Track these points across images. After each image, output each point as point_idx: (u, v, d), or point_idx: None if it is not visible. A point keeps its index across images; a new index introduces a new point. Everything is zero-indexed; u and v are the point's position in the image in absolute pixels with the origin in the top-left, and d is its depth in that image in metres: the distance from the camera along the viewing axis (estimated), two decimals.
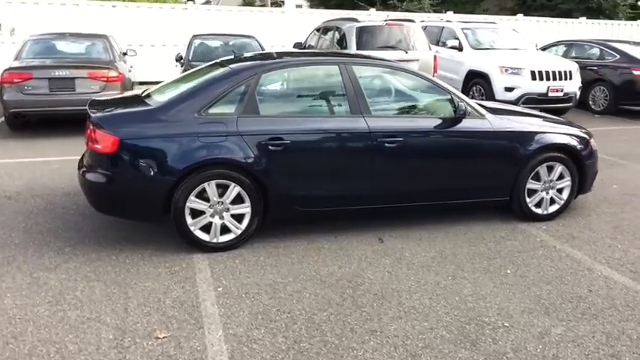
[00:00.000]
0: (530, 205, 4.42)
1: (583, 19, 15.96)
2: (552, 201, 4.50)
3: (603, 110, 9.96)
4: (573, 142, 4.44)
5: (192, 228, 3.66)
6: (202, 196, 3.63)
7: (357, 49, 8.18)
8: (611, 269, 3.65)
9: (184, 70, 8.27)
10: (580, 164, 4.47)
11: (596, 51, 10.37)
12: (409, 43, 8.47)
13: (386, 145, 3.88)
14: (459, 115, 4.00)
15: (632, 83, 9.55)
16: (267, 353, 2.63)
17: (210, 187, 3.62)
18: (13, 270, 3.43)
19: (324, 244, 3.94)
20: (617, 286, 3.41)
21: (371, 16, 12.48)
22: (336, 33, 9.01)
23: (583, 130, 4.65)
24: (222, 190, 3.66)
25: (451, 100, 4.12)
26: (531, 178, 4.35)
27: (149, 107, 3.71)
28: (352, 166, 3.89)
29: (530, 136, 4.29)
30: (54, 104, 7.05)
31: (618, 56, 9.86)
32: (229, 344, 2.70)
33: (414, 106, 4.18)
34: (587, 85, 9.72)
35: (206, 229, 3.71)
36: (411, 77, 4.17)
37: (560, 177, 4.45)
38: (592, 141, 4.62)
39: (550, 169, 4.40)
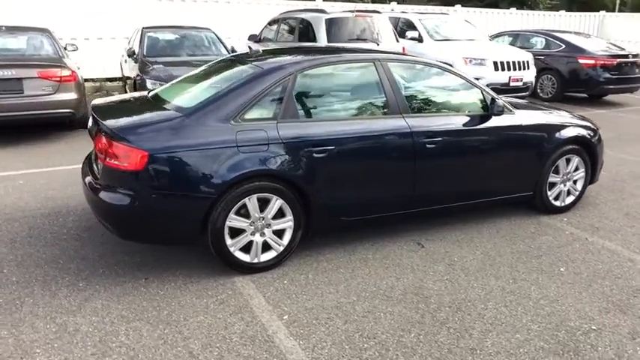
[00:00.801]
0: (550, 198, 4.46)
1: (513, 10, 16.78)
2: (568, 193, 4.57)
3: (551, 98, 10.48)
4: (588, 134, 4.53)
5: (232, 249, 3.26)
6: (241, 212, 3.25)
7: (328, 41, 7.92)
8: None
9: (141, 67, 7.58)
10: (592, 155, 4.57)
11: (541, 41, 10.88)
12: (379, 34, 8.34)
13: (426, 145, 3.69)
14: (497, 111, 3.90)
15: (577, 71, 10.12)
16: None
17: (252, 202, 3.24)
18: (28, 316, 2.86)
19: (365, 254, 3.70)
20: None
21: (318, 6, 12.24)
22: (301, 25, 8.67)
23: (592, 122, 4.76)
24: (262, 204, 3.29)
25: (483, 97, 4.02)
26: (552, 172, 4.39)
27: (177, 115, 3.23)
28: (395, 169, 3.67)
29: (553, 129, 4.31)
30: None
31: (564, 46, 10.41)
32: None
33: (448, 104, 4.02)
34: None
35: (245, 248, 3.33)
36: (443, 73, 4.00)
37: (576, 169, 4.53)
38: (600, 132, 4.74)
39: (568, 161, 4.46)
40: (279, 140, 3.26)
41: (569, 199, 4.59)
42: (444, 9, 15.24)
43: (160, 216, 3.12)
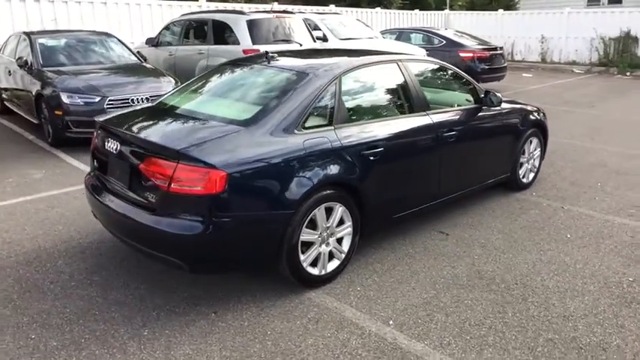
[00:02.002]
0: (520, 176, 5.05)
1: (379, 9, 18.02)
2: (530, 170, 5.22)
3: None
4: (542, 117, 5.22)
5: (304, 264, 3.11)
6: (308, 225, 3.11)
7: (253, 43, 7.72)
8: (620, 217, 4.47)
9: (43, 79, 6.58)
10: (545, 135, 5.28)
11: (424, 37, 11.95)
12: (299, 35, 8.37)
13: (447, 138, 3.92)
14: (497, 102, 4.28)
15: (458, 64, 11.19)
16: None
17: (320, 213, 3.13)
18: None
19: (406, 250, 3.80)
20: None
21: (209, 7, 11.81)
22: (216, 26, 8.28)
23: (538, 107, 5.46)
24: (326, 213, 3.20)
25: (476, 90, 4.39)
26: (521, 153, 4.97)
27: (236, 128, 2.95)
28: (428, 163, 3.86)
29: (524, 114, 4.88)
30: None
31: (445, 41, 11.58)
32: None
33: (455, 98, 4.30)
34: None
35: (313, 261, 3.20)
36: (445, 70, 4.26)
37: (535, 149, 5.19)
38: None
39: (531, 142, 5.08)
40: (340, 146, 3.19)
41: (531, 176, 5.24)
42: (320, 8, 15.77)
43: (240, 241, 2.85)
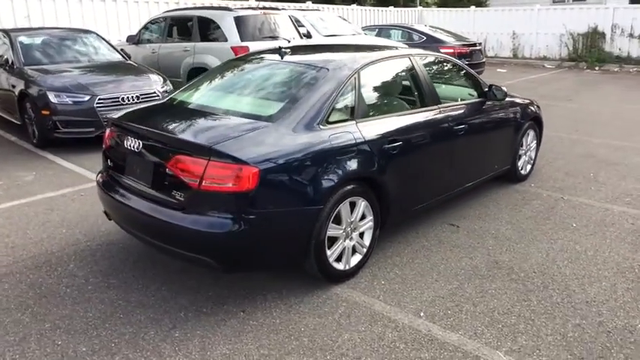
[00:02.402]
0: (519, 168, 5.16)
1: (354, 6, 18.08)
2: (527, 162, 5.34)
3: None
4: (538, 109, 5.34)
5: (330, 260, 3.10)
6: (334, 220, 3.10)
7: (242, 40, 7.62)
8: (618, 205, 4.62)
9: (27, 78, 6.34)
10: (540, 128, 5.41)
11: (403, 34, 12.06)
12: (286, 31, 8.31)
13: (458, 132, 3.97)
14: (501, 96, 4.36)
15: None
16: None
17: (345, 208, 3.12)
18: None
19: (421, 242, 3.83)
20: None
21: (186, 4, 11.61)
22: (202, 23, 8.14)
23: (532, 100, 5.59)
24: (350, 208, 3.19)
25: (480, 83, 4.45)
26: (520, 145, 5.08)
27: (263, 124, 2.90)
28: (442, 156, 3.90)
29: (522, 107, 4.98)
30: None
31: (425, 37, 11.71)
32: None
33: (461, 91, 4.35)
34: None
35: (338, 257, 3.19)
36: (452, 64, 4.31)
37: (532, 141, 5.31)
38: None
39: (528, 135, 5.20)
40: (362, 140, 3.19)
41: (529, 168, 5.37)
42: (297, 5, 15.70)
43: (269, 237, 2.82)
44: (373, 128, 3.30)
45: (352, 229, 3.23)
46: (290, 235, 2.89)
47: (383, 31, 12.52)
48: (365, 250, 3.37)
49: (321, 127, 3.03)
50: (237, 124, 2.96)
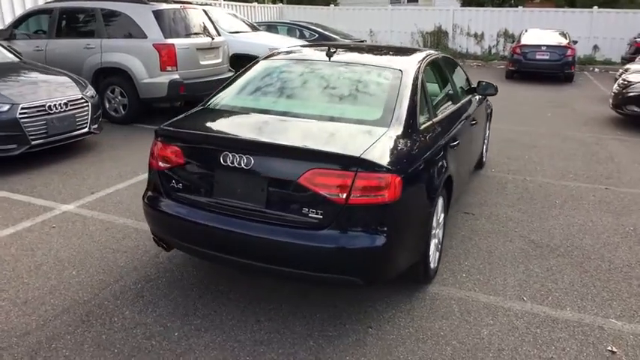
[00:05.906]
0: (483, 155, 5.72)
1: (222, 1, 17.49)
2: (485, 150, 5.93)
3: None
4: (490, 103, 5.95)
5: (430, 259, 3.13)
6: None
7: (165, 37, 6.91)
8: (569, 182, 5.43)
9: None
10: (490, 119, 6.05)
11: (296, 31, 12.13)
12: (208, 27, 7.75)
13: (470, 123, 4.27)
14: (495, 92, 4.74)
15: None
16: None
17: (438, 206, 3.17)
18: None
19: (451, 230, 4.05)
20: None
21: None
22: (107, 18, 7.13)
23: None
24: None
25: (468, 79, 4.81)
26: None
27: (383, 128, 2.78)
28: (469, 147, 4.21)
29: (488, 101, 5.51)
30: None
31: (317, 35, 11.95)
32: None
33: (459, 87, 4.61)
34: None
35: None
36: (453, 63, 4.57)
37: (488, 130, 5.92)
38: None
39: (489, 126, 5.78)
40: (442, 139, 3.26)
41: (486, 155, 5.98)
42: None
43: (407, 244, 2.74)
44: (445, 129, 3.40)
45: (438, 227, 3.30)
46: (418, 239, 2.86)
47: (271, 27, 12.42)
48: (440, 246, 3.45)
49: (421, 128, 3.02)
50: (353, 130, 2.79)
